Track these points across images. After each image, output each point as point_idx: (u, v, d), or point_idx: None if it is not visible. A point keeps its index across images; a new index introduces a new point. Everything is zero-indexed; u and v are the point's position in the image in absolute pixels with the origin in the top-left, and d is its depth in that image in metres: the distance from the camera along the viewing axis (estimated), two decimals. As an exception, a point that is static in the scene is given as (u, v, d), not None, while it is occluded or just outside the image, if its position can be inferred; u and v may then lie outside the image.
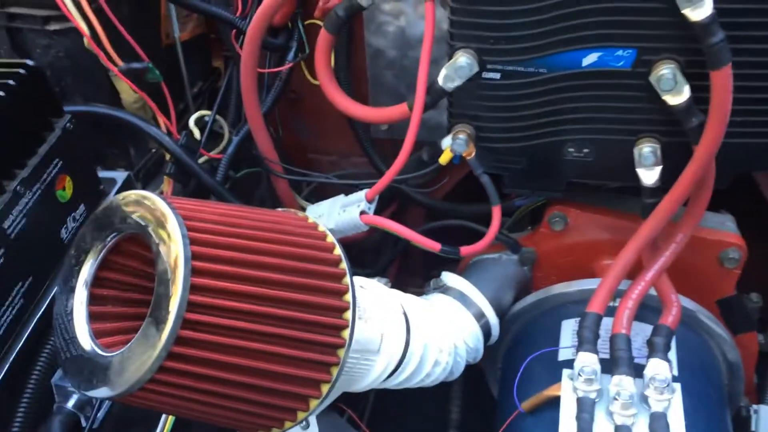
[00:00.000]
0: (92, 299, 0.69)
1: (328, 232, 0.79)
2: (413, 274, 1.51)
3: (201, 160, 1.14)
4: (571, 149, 1.02)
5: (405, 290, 1.05)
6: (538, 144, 1.01)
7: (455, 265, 1.25)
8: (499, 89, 0.97)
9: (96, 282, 0.69)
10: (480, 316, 1.10)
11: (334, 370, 0.73)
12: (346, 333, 0.74)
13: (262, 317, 0.66)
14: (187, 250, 0.61)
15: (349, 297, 0.75)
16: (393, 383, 0.95)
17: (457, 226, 1.20)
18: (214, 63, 1.39)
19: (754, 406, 1.14)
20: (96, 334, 0.67)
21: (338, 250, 0.77)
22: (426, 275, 1.21)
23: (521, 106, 0.98)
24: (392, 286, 1.02)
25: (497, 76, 0.95)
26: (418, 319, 0.96)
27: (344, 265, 0.76)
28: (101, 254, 0.69)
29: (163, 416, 0.92)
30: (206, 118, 1.15)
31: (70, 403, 0.84)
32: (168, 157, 1.07)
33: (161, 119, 1.07)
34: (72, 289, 0.69)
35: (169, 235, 0.62)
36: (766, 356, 1.20)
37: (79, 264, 0.69)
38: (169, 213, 0.63)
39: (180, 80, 1.22)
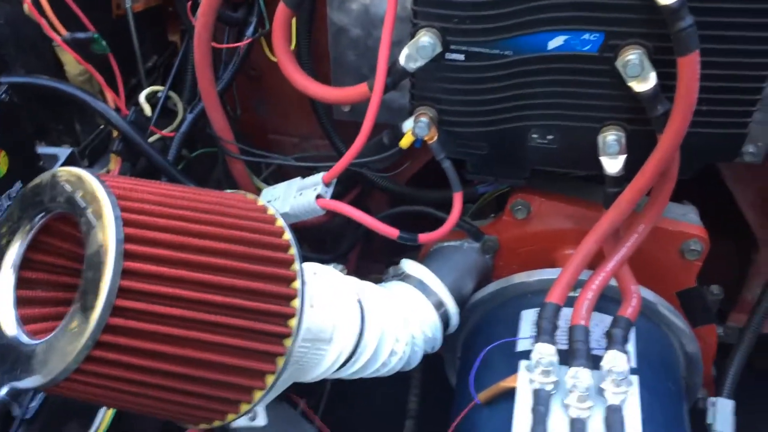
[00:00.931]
0: (20, 283, 0.65)
1: (278, 216, 0.75)
2: (375, 260, 1.47)
3: (152, 139, 1.09)
4: (535, 135, 0.99)
5: (366, 278, 1.02)
6: (502, 129, 0.98)
7: (418, 252, 1.22)
8: (462, 71, 0.94)
9: (25, 264, 0.65)
10: (439, 305, 1.07)
11: (280, 361, 0.70)
12: (293, 322, 0.71)
13: (201, 304, 0.62)
14: (120, 231, 0.57)
15: (297, 284, 0.72)
16: (346, 373, 0.92)
17: (419, 212, 1.17)
18: (170, 37, 1.33)
19: (712, 399, 1.14)
20: (23, 320, 0.63)
21: (288, 235, 0.74)
22: (388, 262, 1.18)
23: (485, 89, 0.95)
24: (354, 274, 0.99)
25: (461, 57, 0.92)
26: (374, 307, 0.93)
27: (293, 250, 0.73)
28: (30, 234, 0.65)
29: (103, 408, 0.88)
30: (159, 94, 1.10)
31: (3, 391, 0.79)
32: (115, 133, 1.02)
33: (108, 94, 1.01)
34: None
35: (100, 216, 0.58)
36: (724, 349, 1.20)
37: (7, 244, 0.65)
38: (101, 192, 0.59)
39: (132, 54, 1.16)
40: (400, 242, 1.08)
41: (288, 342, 0.70)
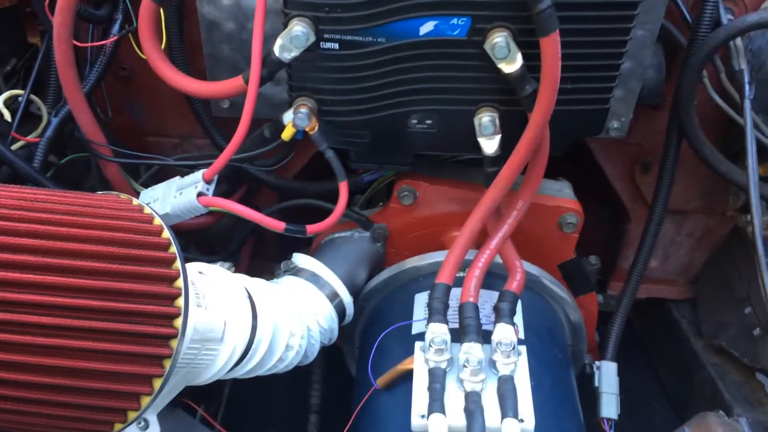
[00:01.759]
0: None
1: (155, 215, 0.72)
2: (267, 260, 1.45)
3: (16, 146, 1.02)
4: (414, 121, 1.01)
5: (260, 277, 1.00)
6: (381, 116, 1.00)
7: (310, 247, 1.21)
8: (338, 60, 0.94)
9: None
10: (333, 296, 1.07)
11: (167, 363, 0.67)
12: (178, 322, 0.68)
13: (72, 310, 0.59)
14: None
15: (180, 282, 0.69)
16: (242, 372, 0.90)
17: (307, 205, 1.16)
18: (30, 39, 1.25)
19: (597, 363, 1.21)
20: None
21: (167, 233, 0.71)
22: (281, 261, 1.17)
23: (362, 77, 0.95)
24: (246, 275, 0.96)
25: (336, 46, 0.92)
26: (266, 302, 0.91)
27: (174, 248, 0.70)
28: None
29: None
30: (20, 99, 1.03)
31: None
32: (-28, 141, 0.95)
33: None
34: None
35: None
36: (605, 316, 1.27)
37: None
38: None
39: (-13, 56, 1.08)
40: (289, 236, 1.07)
41: (174, 343, 0.67)
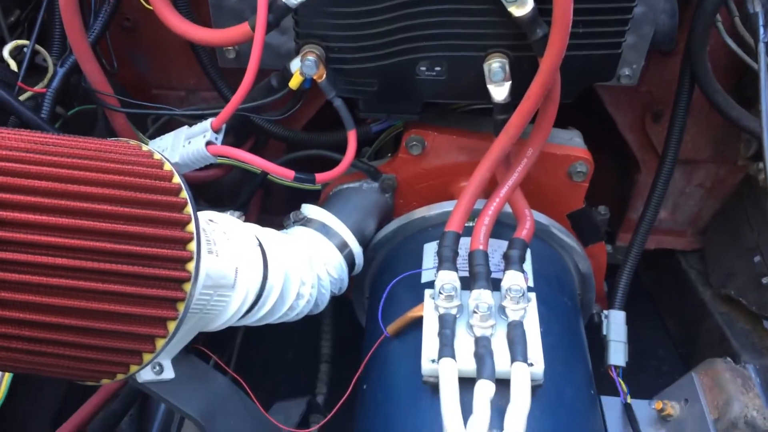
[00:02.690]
0: None
1: (166, 160, 0.72)
2: (276, 213, 1.46)
3: (23, 97, 1.02)
4: (423, 68, 1.00)
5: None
6: (390, 63, 0.98)
7: (318, 199, 1.21)
8: (346, 5, 0.92)
9: None
10: (343, 246, 1.08)
11: (181, 306, 0.68)
12: (191, 266, 0.69)
13: (87, 252, 0.59)
14: (-13, 179, 0.53)
15: (192, 227, 0.69)
16: (253, 319, 0.91)
17: (315, 155, 1.16)
18: (32, -11, 1.23)
19: (605, 312, 1.22)
20: None
21: (177, 179, 0.71)
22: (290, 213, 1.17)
23: (370, 23, 0.94)
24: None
25: (344, -10, 0.91)
26: (277, 251, 0.92)
27: (185, 194, 0.70)
28: None
29: (-3, 378, 0.83)
30: (25, 49, 1.02)
31: None
32: (-22, 92, 0.94)
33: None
34: None
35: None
36: (614, 268, 1.28)
37: None
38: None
39: (-10, 7, 1.07)
40: (297, 189, 1.07)
41: (187, 286, 0.68)
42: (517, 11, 0.88)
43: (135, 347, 0.66)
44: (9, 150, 0.57)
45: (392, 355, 0.97)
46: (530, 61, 0.94)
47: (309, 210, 1.10)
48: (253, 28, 0.91)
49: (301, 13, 0.94)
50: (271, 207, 1.46)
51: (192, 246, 0.69)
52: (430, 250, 1.08)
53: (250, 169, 1.18)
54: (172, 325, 0.68)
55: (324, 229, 1.07)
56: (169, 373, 0.81)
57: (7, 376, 0.80)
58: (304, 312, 1.00)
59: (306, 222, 1.09)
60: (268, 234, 0.95)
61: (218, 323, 0.84)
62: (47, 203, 0.57)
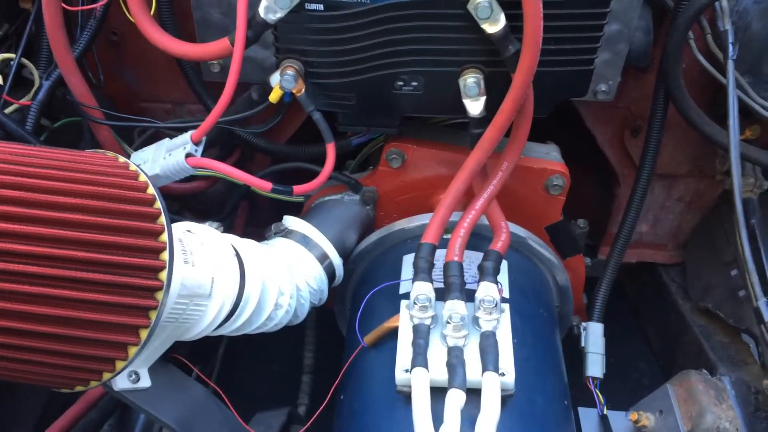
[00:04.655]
0: None
1: (141, 172, 0.74)
2: (261, 225, 1.47)
3: (8, 110, 1.03)
4: (400, 83, 1.02)
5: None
6: (367, 78, 1.00)
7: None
8: (323, 21, 0.95)
9: None
10: (323, 258, 1.09)
11: (153, 314, 0.70)
12: (164, 275, 0.70)
13: (61, 261, 0.61)
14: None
15: (165, 237, 0.71)
16: (231, 329, 0.92)
17: (297, 168, 1.18)
18: (22, 5, 1.25)
19: (583, 324, 1.23)
20: None
21: (152, 190, 0.72)
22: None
23: (347, 38, 0.96)
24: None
25: (320, 7, 0.93)
26: (254, 261, 0.93)
27: (159, 204, 0.72)
28: None
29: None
30: (11, 63, 1.04)
31: None
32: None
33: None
34: None
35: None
36: (594, 281, 1.29)
37: None
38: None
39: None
40: (281, 201, 1.09)
41: (160, 295, 0.69)
42: (490, 28, 0.91)
43: (108, 354, 0.68)
44: (-15, 161, 0.59)
45: (369, 365, 0.98)
46: (504, 76, 0.96)
47: (290, 221, 1.12)
48: (232, 44, 0.93)
49: (280, 28, 0.96)
50: (257, 219, 1.47)
51: (165, 255, 0.70)
52: (408, 261, 1.10)
53: (234, 182, 1.20)
54: (144, 333, 0.69)
55: (304, 241, 1.09)
56: (145, 382, 0.82)
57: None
58: (282, 322, 1.02)
59: (287, 233, 1.11)
60: (246, 244, 0.97)
61: (195, 332, 0.86)
62: (20, 212, 0.58)
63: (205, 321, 0.85)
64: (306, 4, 0.92)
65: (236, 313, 0.90)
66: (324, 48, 0.97)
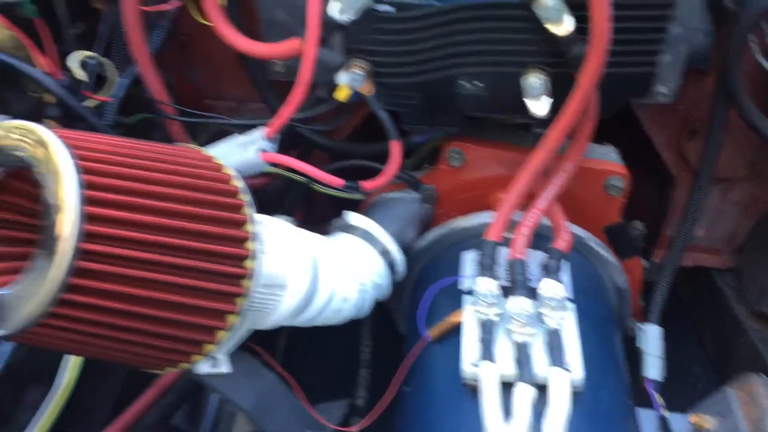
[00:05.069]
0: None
1: (223, 164, 0.77)
2: (318, 222, 1.50)
3: (89, 105, 1.08)
4: (463, 83, 1.04)
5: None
6: (432, 78, 1.03)
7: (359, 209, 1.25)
8: (393, 22, 0.97)
9: (-26, 220, 0.65)
10: (385, 253, 1.11)
11: (240, 301, 0.73)
12: (249, 263, 0.73)
13: (159, 247, 0.64)
14: (80, 178, 0.58)
15: (249, 227, 0.74)
16: (302, 319, 0.95)
17: (358, 166, 1.20)
18: (94, 4, 1.30)
19: (640, 324, 1.23)
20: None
21: (236, 182, 0.76)
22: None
23: (415, 39, 0.99)
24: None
25: (391, 8, 0.95)
26: (325, 255, 0.96)
27: (243, 196, 0.75)
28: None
29: (65, 371, 0.88)
30: (89, 60, 1.08)
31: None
32: (49, 99, 1.00)
33: (41, 59, 0.99)
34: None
35: (56, 165, 0.59)
36: (649, 284, 1.29)
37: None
38: (55, 142, 0.60)
39: (55, 21, 1.14)
40: (338, 198, 1.11)
41: (246, 282, 0.72)
42: (556, 29, 0.92)
43: (199, 337, 0.71)
44: (93, 152, 0.63)
45: (433, 359, 1.00)
46: (568, 77, 0.98)
47: (352, 218, 1.14)
48: (304, 43, 0.96)
49: (349, 29, 0.99)
50: (313, 217, 1.50)
51: (249, 245, 0.73)
52: (468, 258, 1.11)
53: (295, 178, 1.22)
54: (232, 319, 0.72)
55: (367, 237, 1.11)
56: (224, 367, 0.85)
57: (78, 363, 0.86)
58: (349, 315, 1.04)
59: (349, 229, 1.13)
60: (316, 238, 0.99)
61: (270, 321, 0.89)
62: (127, 201, 0.62)
63: (281, 310, 0.87)
64: (377, 5, 0.95)
65: (308, 303, 0.93)
66: (392, 48, 1.00)
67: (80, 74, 1.04)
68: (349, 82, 1.00)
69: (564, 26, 0.92)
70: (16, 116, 1.04)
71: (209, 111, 1.34)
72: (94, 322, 0.61)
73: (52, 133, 0.61)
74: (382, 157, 1.18)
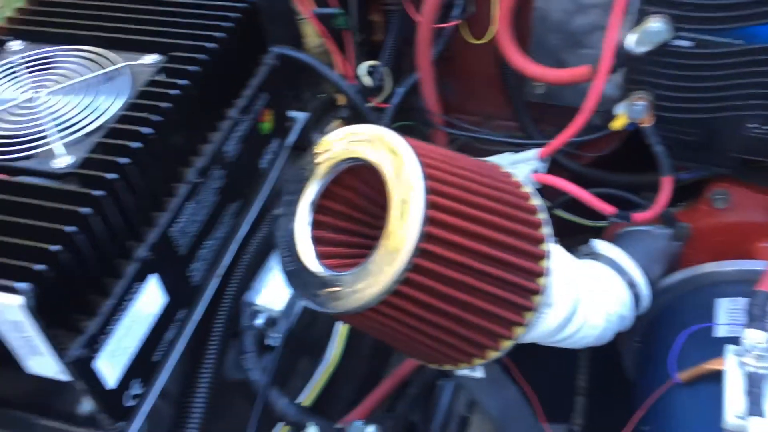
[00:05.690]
0: (313, 224, 0.73)
1: (522, 182, 0.81)
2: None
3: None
4: (752, 125, 1.00)
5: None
6: (717, 117, 1.00)
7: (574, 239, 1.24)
8: (687, 58, 0.96)
9: (317, 209, 0.73)
10: (632, 286, 1.10)
11: (529, 315, 0.76)
12: (542, 280, 0.76)
13: (479, 256, 0.68)
14: (426, 182, 0.64)
15: (545, 246, 0.77)
16: (554, 339, 0.96)
17: (618, 196, 1.20)
18: (370, 17, 1.41)
19: None
20: (320, 256, 0.71)
21: (534, 200, 0.79)
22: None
23: (708, 76, 0.96)
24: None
25: (689, 44, 0.94)
26: (583, 278, 0.97)
27: (541, 214, 0.78)
28: (324, 183, 0.73)
29: (332, 347, 0.97)
30: (374, 68, 1.18)
31: (259, 321, 0.89)
32: (341, 101, 1.11)
33: (343, 66, 1.10)
34: (293, 213, 0.73)
35: (405, 167, 0.65)
36: None
37: (304, 189, 0.74)
38: (404, 146, 0.67)
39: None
40: (588, 224, 1.11)
41: (536, 298, 0.75)
42: None
43: (487, 342, 0.75)
44: (429, 158, 0.69)
45: (683, 402, 0.97)
46: None
47: (600, 246, 1.14)
48: (594, 71, 0.97)
49: (637, 61, 0.99)
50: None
51: (544, 263, 0.76)
52: (723, 305, 1.07)
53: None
54: (518, 331, 0.76)
55: (615, 266, 1.10)
56: (479, 373, 0.90)
57: (343, 342, 0.94)
58: (591, 343, 1.04)
59: (596, 256, 1.13)
60: (573, 259, 1.01)
61: (528, 337, 0.91)
62: (458, 208, 0.67)
63: (543, 326, 0.89)
64: (673, 40, 0.94)
65: (565, 326, 0.94)
66: (679, 83, 0.98)
67: (368, 81, 1.13)
68: (628, 112, 1.00)
69: None
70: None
71: (453, 124, 1.41)
72: (415, 314, 0.67)
73: (402, 139, 0.67)
74: (631, 188, 1.17)
